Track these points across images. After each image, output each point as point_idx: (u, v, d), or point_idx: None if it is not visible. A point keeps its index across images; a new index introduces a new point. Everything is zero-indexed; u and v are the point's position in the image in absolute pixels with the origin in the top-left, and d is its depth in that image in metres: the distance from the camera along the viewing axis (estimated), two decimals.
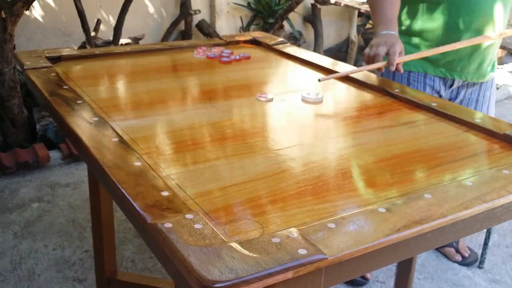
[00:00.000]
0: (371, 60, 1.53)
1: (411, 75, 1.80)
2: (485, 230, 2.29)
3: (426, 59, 1.75)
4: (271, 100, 1.37)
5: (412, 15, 1.75)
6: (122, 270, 2.16)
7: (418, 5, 1.73)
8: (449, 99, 1.83)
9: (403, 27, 1.78)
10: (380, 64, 1.49)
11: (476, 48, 1.70)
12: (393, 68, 1.48)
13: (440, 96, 1.82)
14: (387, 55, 1.49)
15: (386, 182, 0.96)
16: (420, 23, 1.74)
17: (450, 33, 1.69)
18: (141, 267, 2.20)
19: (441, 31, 1.71)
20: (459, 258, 2.28)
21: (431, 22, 1.72)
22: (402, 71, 1.53)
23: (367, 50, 1.56)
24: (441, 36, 1.71)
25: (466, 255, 2.28)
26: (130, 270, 2.18)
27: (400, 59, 1.49)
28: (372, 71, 1.55)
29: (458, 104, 1.46)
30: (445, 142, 1.15)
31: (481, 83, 1.83)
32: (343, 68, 1.63)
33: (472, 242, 2.44)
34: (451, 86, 1.81)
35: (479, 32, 1.67)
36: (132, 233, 2.43)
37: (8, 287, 2.05)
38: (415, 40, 1.76)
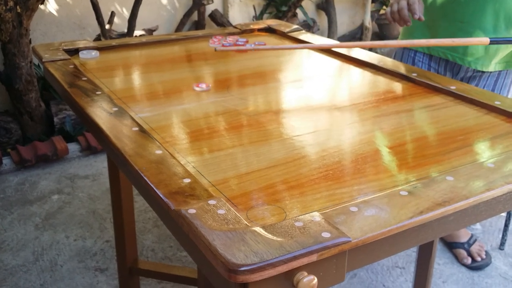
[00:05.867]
0: (396, 16, 1.56)
1: (417, 55, 1.80)
2: (505, 215, 2.27)
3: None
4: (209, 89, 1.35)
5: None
6: (143, 259, 2.19)
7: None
8: None
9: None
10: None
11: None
12: (416, 16, 1.51)
13: None
14: (408, 5, 1.51)
15: (407, 165, 0.96)
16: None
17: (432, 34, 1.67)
18: (161, 256, 2.23)
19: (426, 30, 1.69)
20: (468, 261, 2.16)
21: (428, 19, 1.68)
22: (423, 18, 1.53)
23: (388, 10, 1.59)
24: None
25: (479, 259, 2.16)
26: (151, 259, 2.21)
27: (406, 44, 1.51)
28: (373, 49, 1.57)
29: None
30: (465, 125, 1.14)
31: (497, 78, 1.76)
32: (359, 54, 1.62)
33: (492, 226, 2.42)
34: (457, 73, 1.77)
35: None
36: (151, 223, 2.45)
37: (31, 278, 2.09)
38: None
